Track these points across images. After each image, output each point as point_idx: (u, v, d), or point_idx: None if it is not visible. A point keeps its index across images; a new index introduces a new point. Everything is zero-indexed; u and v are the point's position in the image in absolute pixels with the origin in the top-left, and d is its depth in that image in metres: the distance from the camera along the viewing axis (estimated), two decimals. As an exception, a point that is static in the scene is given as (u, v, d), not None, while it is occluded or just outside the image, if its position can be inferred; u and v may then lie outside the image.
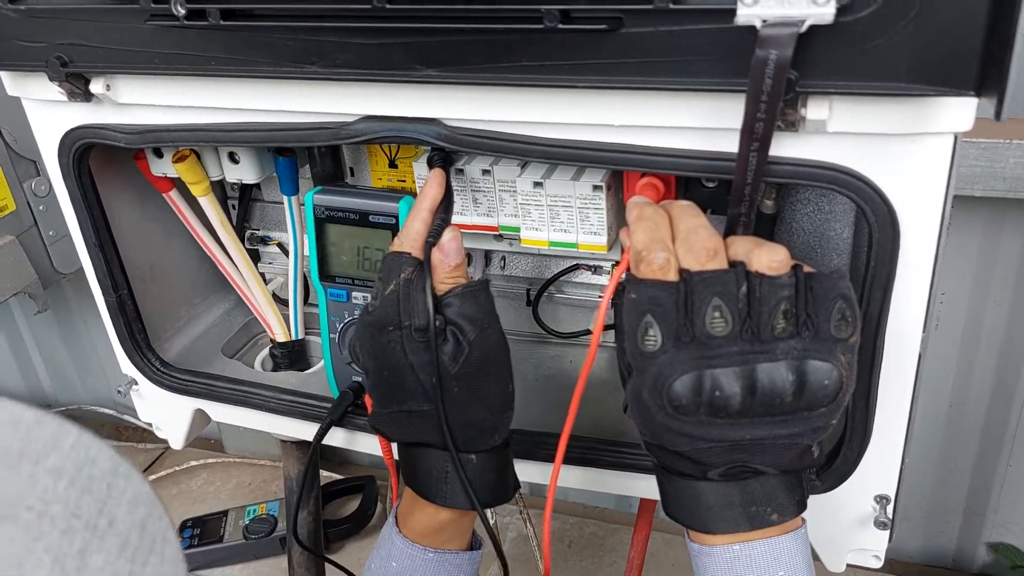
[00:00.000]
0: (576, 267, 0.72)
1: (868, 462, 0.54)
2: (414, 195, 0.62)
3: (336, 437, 0.70)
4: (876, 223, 0.46)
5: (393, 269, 0.52)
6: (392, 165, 0.72)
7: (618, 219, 0.57)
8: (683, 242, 0.43)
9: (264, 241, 0.83)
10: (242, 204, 0.81)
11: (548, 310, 0.76)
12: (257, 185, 0.79)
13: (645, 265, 0.43)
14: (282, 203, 0.81)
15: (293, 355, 0.79)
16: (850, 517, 0.57)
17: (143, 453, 1.54)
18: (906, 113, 0.43)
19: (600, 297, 0.74)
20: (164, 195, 0.72)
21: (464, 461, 0.53)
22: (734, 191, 0.45)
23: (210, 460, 1.49)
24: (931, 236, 0.46)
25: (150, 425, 0.79)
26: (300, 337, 0.79)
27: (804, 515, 0.48)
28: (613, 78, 0.45)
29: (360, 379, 0.67)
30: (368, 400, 0.62)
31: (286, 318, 0.78)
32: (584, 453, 0.62)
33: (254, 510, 1.32)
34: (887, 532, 0.56)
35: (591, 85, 0.46)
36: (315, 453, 0.70)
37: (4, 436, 0.26)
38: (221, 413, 0.75)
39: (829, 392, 0.42)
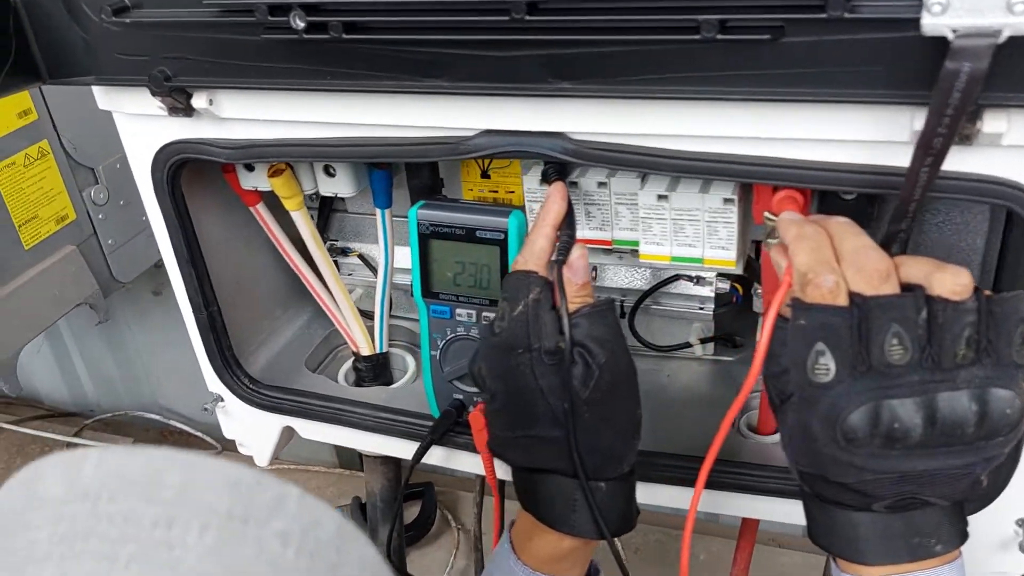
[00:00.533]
0: (676, 278, 0.70)
1: (1014, 486, 0.52)
2: (519, 208, 0.60)
3: (434, 455, 0.68)
4: (1047, 240, 0.43)
5: (520, 289, 0.50)
6: (484, 176, 0.70)
7: (744, 233, 0.55)
8: (851, 264, 0.41)
9: (344, 252, 0.81)
10: (322, 215, 0.79)
11: (642, 322, 0.74)
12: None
13: (813, 288, 0.41)
14: (363, 214, 0.79)
15: (377, 368, 0.77)
16: (990, 541, 0.55)
17: (192, 459, 1.53)
18: (1088, 124, 0.40)
19: (701, 309, 0.72)
20: (251, 208, 0.70)
21: (593, 489, 0.51)
22: (898, 207, 0.43)
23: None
24: (1105, 253, 0.44)
25: (234, 441, 0.78)
26: (384, 350, 0.77)
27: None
28: (769, 90, 0.43)
29: (461, 397, 0.65)
30: (473, 420, 0.60)
31: (368, 330, 0.77)
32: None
33: (311, 518, 1.31)
34: (1027, 556, 0.54)
35: (747, 97, 0.43)
36: (410, 472, 0.68)
37: (225, 500, 0.24)
38: (310, 430, 0.73)
39: (1011, 421, 0.40)
